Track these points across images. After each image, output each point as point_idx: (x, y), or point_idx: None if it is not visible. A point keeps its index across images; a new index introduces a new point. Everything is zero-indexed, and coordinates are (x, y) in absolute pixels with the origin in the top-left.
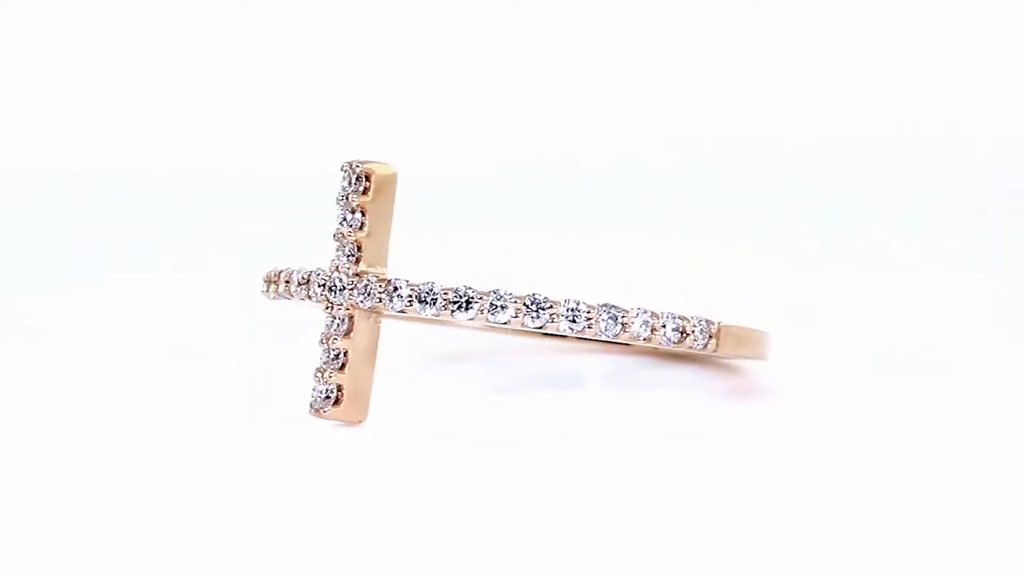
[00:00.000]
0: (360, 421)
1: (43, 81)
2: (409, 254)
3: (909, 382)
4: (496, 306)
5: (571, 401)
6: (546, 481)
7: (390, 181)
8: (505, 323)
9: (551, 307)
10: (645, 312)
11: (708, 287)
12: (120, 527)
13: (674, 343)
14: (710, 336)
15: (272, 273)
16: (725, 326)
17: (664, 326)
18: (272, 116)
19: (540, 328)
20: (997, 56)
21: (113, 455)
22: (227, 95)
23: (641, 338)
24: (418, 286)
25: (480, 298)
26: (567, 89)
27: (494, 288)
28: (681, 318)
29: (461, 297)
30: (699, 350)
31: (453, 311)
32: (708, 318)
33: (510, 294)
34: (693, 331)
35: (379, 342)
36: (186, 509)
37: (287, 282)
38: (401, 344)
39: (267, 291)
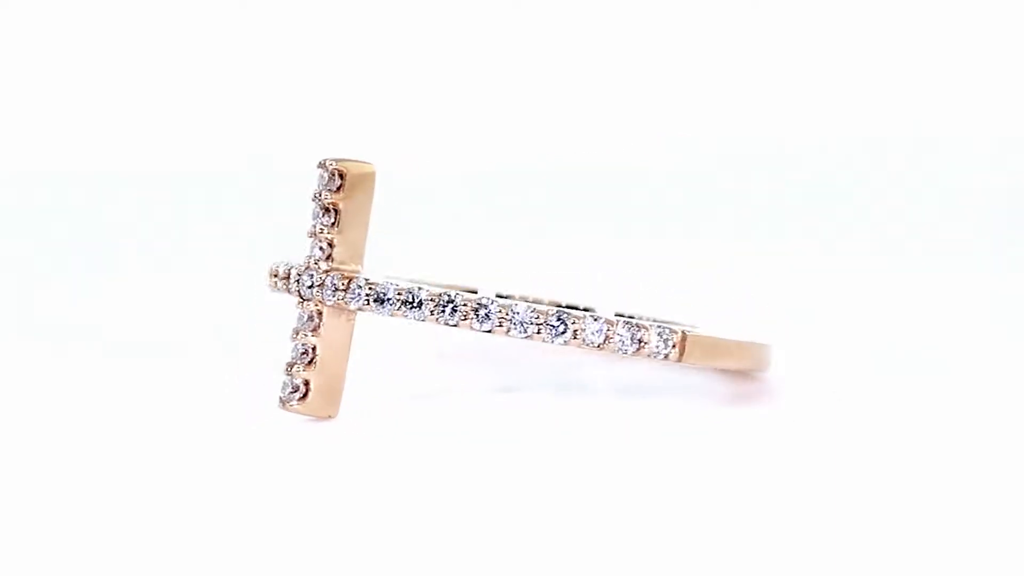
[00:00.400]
0: (330, 416)
1: (40, 81)
2: (414, 254)
3: (909, 382)
4: (445, 308)
5: (574, 402)
6: (540, 481)
7: (366, 179)
8: (455, 325)
9: (500, 311)
10: (598, 319)
11: (707, 289)
12: (111, 526)
13: (630, 352)
14: (673, 345)
15: (273, 266)
16: (693, 335)
17: (618, 334)
18: (277, 114)
19: (488, 331)
20: (997, 56)
21: (109, 455)
22: (236, 92)
23: (594, 345)
24: (375, 285)
25: (431, 299)
26: (564, 88)
27: (445, 291)
28: (638, 325)
29: (414, 298)
30: (660, 360)
31: (405, 311)
32: (672, 326)
33: (460, 296)
34: (651, 340)
35: (351, 338)
36: (179, 509)
37: (275, 275)
38: (404, 342)
39: (270, 283)
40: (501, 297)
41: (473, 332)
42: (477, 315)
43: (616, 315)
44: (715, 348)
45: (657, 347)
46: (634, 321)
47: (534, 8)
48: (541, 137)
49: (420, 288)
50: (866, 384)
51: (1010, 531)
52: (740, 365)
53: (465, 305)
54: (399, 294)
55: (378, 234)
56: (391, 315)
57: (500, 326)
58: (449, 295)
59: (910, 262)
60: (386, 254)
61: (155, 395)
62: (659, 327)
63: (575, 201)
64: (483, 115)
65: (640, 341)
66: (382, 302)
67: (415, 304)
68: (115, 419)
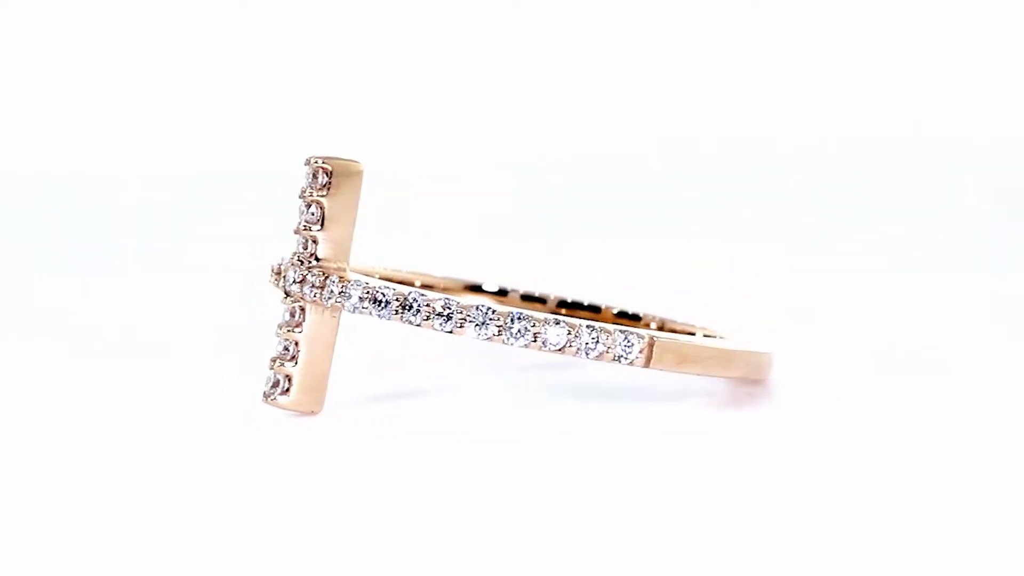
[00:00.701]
0: (313, 412)
1: (39, 81)
2: (424, 249)
3: (909, 382)
4: (409, 308)
5: (575, 405)
6: (526, 482)
7: (352, 177)
8: (418, 325)
9: (461, 312)
10: (559, 322)
11: (707, 289)
12: (96, 520)
13: (592, 357)
14: (640, 351)
15: (274, 263)
16: (662, 341)
17: (580, 338)
18: (278, 114)
19: (450, 332)
20: (996, 56)
21: (96, 451)
22: (238, 91)
23: (555, 348)
24: (347, 283)
25: (396, 299)
26: (564, 87)
27: (411, 291)
28: (602, 330)
29: (381, 297)
30: (626, 365)
31: (372, 310)
32: (640, 332)
33: (424, 296)
34: (615, 345)
35: (336, 335)
36: (174, 509)
37: (273, 271)
38: (396, 340)
39: (270, 279)
40: (503, 293)
41: (436, 332)
42: (439, 316)
43: (619, 312)
44: (690, 355)
45: (623, 352)
46: (598, 325)
47: (537, 5)
48: (537, 135)
49: (388, 287)
50: (866, 384)
51: (1010, 531)
52: (725, 373)
53: (428, 306)
54: (367, 292)
55: (390, 230)
56: (359, 313)
57: (461, 327)
58: (413, 295)
59: (910, 262)
60: (398, 250)
61: (149, 393)
62: (624, 332)
63: (580, 199)
64: (497, 114)
65: (603, 345)
66: (351, 299)
67: (381, 303)
68: (105, 417)
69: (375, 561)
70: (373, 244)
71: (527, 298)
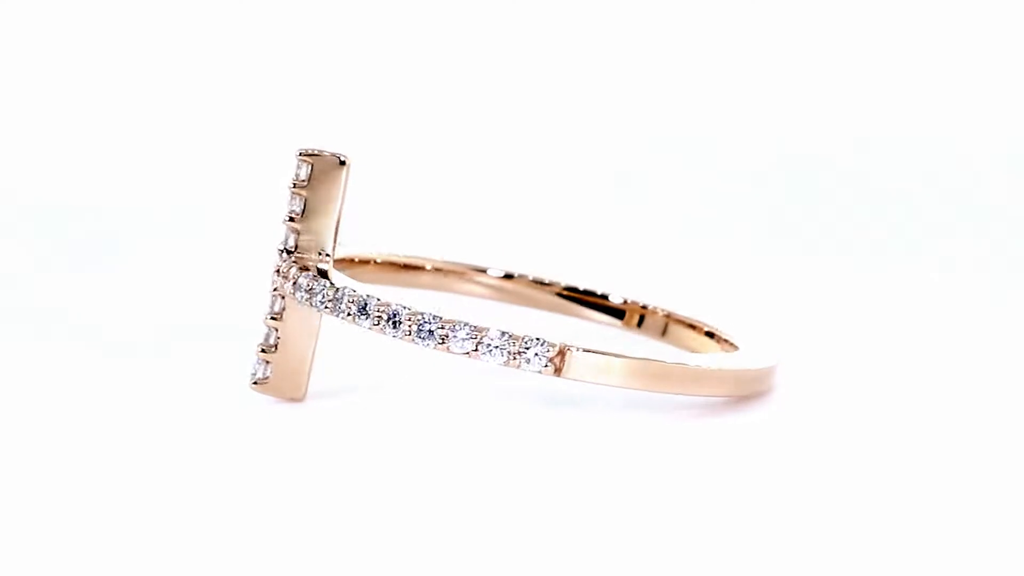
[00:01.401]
0: (295, 399)
1: (39, 81)
2: (433, 233)
3: (909, 382)
4: (335, 303)
5: (572, 413)
6: (506, 483)
7: (335, 170)
8: (343, 320)
9: (378, 311)
10: (467, 325)
11: (706, 288)
12: (102, 519)
13: (499, 362)
14: (548, 360)
15: None
16: (574, 352)
17: (488, 344)
18: (288, 110)
19: (369, 329)
20: (995, 58)
21: (106, 451)
22: (242, 88)
23: (462, 352)
24: (299, 274)
25: (326, 294)
26: (565, 87)
27: (344, 285)
28: (511, 336)
29: (315, 290)
30: (534, 373)
31: (312, 301)
32: (552, 340)
33: (354, 293)
34: (523, 352)
35: (319, 325)
36: (161, 499)
37: None
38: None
39: None
40: (510, 277)
41: (359, 329)
42: (360, 313)
43: (628, 301)
44: (604, 367)
45: (531, 361)
46: (508, 333)
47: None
48: (558, 131)
49: (322, 283)
50: (865, 384)
51: (1011, 532)
52: (664, 389)
53: (351, 303)
54: (309, 286)
55: (403, 215)
56: (309, 306)
57: (377, 324)
58: (345, 291)
59: (909, 262)
60: (415, 236)
61: (148, 391)
62: (533, 340)
63: (571, 194)
64: (519, 107)
65: (507, 354)
66: (300, 291)
67: (316, 296)
68: (104, 416)
69: (351, 545)
70: (388, 232)
71: (536, 283)
